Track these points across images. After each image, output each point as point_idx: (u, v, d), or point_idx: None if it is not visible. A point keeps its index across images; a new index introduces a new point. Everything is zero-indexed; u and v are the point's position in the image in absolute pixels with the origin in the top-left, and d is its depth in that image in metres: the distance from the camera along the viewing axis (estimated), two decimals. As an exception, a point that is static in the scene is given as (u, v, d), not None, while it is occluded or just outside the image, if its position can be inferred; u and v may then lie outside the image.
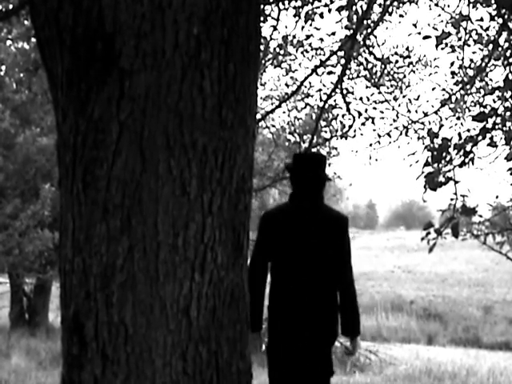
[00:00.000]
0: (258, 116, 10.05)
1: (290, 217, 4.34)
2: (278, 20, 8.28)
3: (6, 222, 14.42)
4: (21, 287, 18.50)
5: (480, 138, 5.33)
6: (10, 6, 7.79)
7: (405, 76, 10.43)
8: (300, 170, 4.35)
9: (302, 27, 8.65)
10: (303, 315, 4.24)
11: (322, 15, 8.01)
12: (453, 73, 8.77)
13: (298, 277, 4.25)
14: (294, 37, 9.51)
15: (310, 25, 8.57)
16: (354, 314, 4.33)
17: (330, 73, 9.33)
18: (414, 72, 10.50)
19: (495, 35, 7.29)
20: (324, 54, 9.90)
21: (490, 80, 9.05)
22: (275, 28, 8.53)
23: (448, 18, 8.44)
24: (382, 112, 10.47)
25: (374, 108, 10.36)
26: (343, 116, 10.71)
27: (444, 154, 5.14)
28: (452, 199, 5.27)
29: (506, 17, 5.74)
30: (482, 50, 8.39)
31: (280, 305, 4.32)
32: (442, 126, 9.45)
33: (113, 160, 2.19)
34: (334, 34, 9.29)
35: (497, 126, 5.48)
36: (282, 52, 9.89)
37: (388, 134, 10.57)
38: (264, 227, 4.38)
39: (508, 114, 5.78)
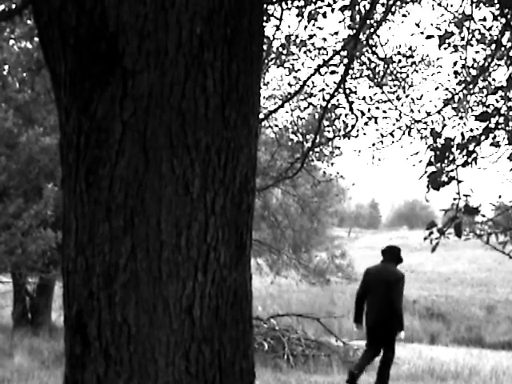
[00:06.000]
0: (261, 115, 10.04)
1: (378, 272, 9.30)
2: (280, 19, 8.29)
3: (8, 221, 14.43)
4: (23, 287, 18.52)
5: (483, 137, 5.33)
6: (13, 6, 7.80)
7: (408, 76, 10.41)
8: (386, 254, 9.45)
9: (305, 27, 8.65)
10: (381, 318, 9.07)
11: (324, 15, 8.01)
12: (456, 72, 8.76)
13: (378, 301, 9.05)
14: (297, 36, 9.50)
15: (313, 24, 8.57)
16: (397, 321, 9.02)
17: (332, 72, 9.32)
18: (416, 72, 10.47)
19: (498, 35, 7.28)
20: (327, 54, 9.90)
21: (493, 80, 9.04)
22: (278, 28, 8.54)
23: (451, 17, 8.44)
24: (384, 112, 10.46)
25: (377, 108, 10.35)
26: (346, 116, 10.69)
27: (447, 154, 5.14)
28: (455, 199, 5.27)
29: (508, 16, 5.74)
30: (484, 49, 8.38)
31: (371, 314, 9.18)
32: (444, 125, 9.44)
33: (116, 160, 2.19)
34: (336, 33, 9.30)
35: (500, 126, 5.48)
36: (284, 52, 9.88)
37: (391, 134, 10.56)
38: (365, 275, 9.48)
39: (511, 113, 5.78)
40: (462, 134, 5.33)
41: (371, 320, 9.21)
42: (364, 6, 7.55)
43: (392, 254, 9.35)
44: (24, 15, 8.16)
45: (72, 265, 2.29)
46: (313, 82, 10.80)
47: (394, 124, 10.54)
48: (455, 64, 8.63)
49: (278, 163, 16.48)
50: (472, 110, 9.29)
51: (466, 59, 8.36)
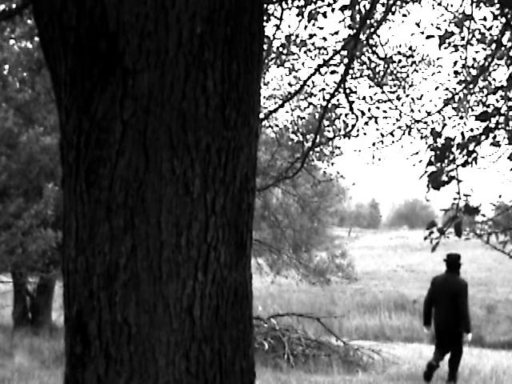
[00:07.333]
0: (262, 115, 10.04)
1: (443, 282, 10.73)
2: (281, 19, 8.29)
3: (9, 221, 14.43)
4: (24, 286, 18.53)
5: (483, 137, 5.34)
6: (14, 6, 7.80)
7: (408, 75, 10.41)
8: (449, 263, 10.80)
9: (305, 26, 8.64)
10: (448, 324, 10.62)
11: (325, 14, 8.01)
12: (456, 72, 8.76)
13: (445, 309, 10.57)
14: (297, 36, 9.49)
15: (313, 24, 8.56)
16: (464, 324, 10.50)
17: (333, 72, 9.32)
18: (417, 71, 10.47)
19: (498, 34, 7.29)
20: (327, 54, 9.90)
21: (493, 79, 9.05)
22: (278, 27, 8.54)
23: (451, 17, 8.44)
24: (385, 111, 10.47)
25: (377, 107, 10.35)
26: (346, 115, 10.70)
27: (447, 154, 5.14)
28: (455, 198, 5.27)
29: (509, 16, 5.74)
30: (485, 49, 8.38)
31: (439, 320, 10.73)
32: (445, 125, 9.44)
33: (116, 159, 2.19)
34: (337, 33, 9.29)
35: (500, 126, 5.49)
36: (285, 51, 9.87)
37: (391, 134, 10.56)
38: (432, 284, 10.92)
39: (511, 113, 5.78)
40: (462, 133, 5.33)
41: (440, 325, 10.77)
42: (364, 6, 7.55)
43: (454, 264, 10.83)
44: (24, 15, 8.17)
45: (72, 264, 2.29)
46: (313, 82, 10.83)
47: (394, 124, 10.54)
48: (455, 64, 8.63)
49: (278, 163, 16.51)
50: (472, 110, 9.29)
51: (466, 59, 8.37)
